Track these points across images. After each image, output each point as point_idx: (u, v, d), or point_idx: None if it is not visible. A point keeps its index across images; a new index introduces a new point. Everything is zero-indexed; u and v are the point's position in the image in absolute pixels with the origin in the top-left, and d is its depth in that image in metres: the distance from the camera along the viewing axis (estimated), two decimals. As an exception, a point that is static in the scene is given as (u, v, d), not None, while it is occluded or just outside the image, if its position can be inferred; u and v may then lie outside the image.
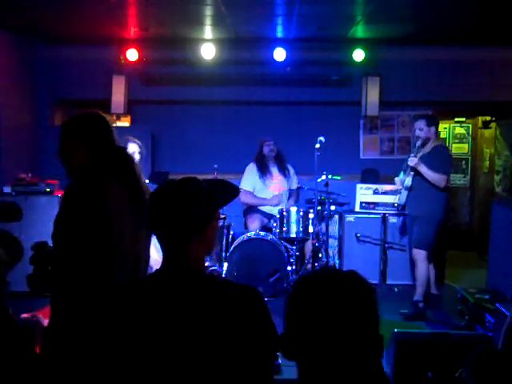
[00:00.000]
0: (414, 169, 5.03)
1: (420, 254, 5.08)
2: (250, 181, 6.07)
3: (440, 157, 5.03)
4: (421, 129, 5.09)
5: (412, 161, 4.97)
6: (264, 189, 6.05)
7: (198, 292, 1.60)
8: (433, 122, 5.14)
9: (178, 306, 1.58)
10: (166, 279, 1.64)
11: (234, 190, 1.81)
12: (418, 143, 5.06)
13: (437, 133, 5.19)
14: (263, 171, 6.03)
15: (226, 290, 1.63)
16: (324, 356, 1.37)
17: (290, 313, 1.44)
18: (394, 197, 6.12)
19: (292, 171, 6.24)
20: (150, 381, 1.59)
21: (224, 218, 5.66)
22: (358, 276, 1.45)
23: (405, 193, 5.19)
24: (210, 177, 5.93)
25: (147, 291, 1.65)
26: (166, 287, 1.62)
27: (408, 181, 5.12)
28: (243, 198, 6.07)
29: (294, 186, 6.24)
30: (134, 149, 4.82)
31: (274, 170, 6.09)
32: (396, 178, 5.34)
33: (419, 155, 5.03)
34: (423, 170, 4.95)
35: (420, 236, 5.10)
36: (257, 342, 1.58)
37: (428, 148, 5.10)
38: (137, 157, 4.82)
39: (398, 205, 5.35)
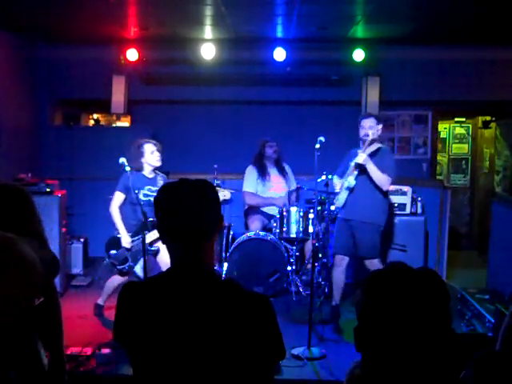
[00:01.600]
0: (358, 167, 4.67)
1: (374, 263, 4.74)
2: (251, 182, 6.06)
3: (387, 159, 4.70)
4: (371, 126, 4.68)
5: (361, 157, 4.58)
6: (264, 190, 6.05)
7: (210, 295, 1.60)
8: (380, 121, 4.79)
9: (187, 307, 1.58)
10: (178, 280, 1.63)
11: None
12: (367, 140, 4.67)
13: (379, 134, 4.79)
14: (262, 173, 6.03)
15: (237, 295, 1.63)
16: (396, 349, 1.37)
17: (365, 305, 1.43)
18: (393, 197, 6.13)
19: (290, 171, 6.23)
20: (154, 380, 1.60)
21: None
22: (432, 272, 1.46)
23: (345, 193, 4.78)
24: (209, 177, 5.95)
25: (159, 291, 1.63)
26: (177, 288, 1.61)
27: (350, 180, 4.73)
28: (248, 200, 6.06)
29: (293, 186, 6.24)
30: (151, 148, 4.81)
31: (273, 171, 6.10)
32: (335, 181, 4.95)
33: (366, 152, 4.68)
34: (372, 167, 4.58)
35: (369, 246, 4.75)
36: (261, 350, 1.58)
37: (373, 148, 4.74)
38: (156, 155, 4.81)
39: (337, 208, 4.94)
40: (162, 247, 4.77)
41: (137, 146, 4.81)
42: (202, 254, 1.64)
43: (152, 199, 4.69)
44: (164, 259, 4.77)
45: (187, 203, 1.62)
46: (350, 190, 4.76)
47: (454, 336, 1.41)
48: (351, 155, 4.85)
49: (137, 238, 4.73)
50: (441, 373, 1.39)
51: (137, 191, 4.60)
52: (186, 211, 1.61)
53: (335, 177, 4.97)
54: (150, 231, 4.62)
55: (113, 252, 4.74)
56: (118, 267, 4.75)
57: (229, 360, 1.55)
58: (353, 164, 4.69)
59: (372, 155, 4.70)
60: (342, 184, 4.81)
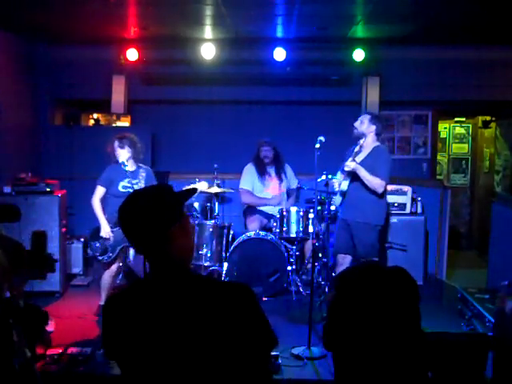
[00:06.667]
0: (350, 173, 4.72)
1: None
2: (248, 180, 6.09)
3: (380, 160, 4.70)
4: (362, 122, 4.81)
5: (349, 166, 4.64)
6: (262, 189, 6.07)
7: (187, 291, 1.59)
8: (376, 121, 4.82)
9: (171, 309, 1.57)
10: (154, 282, 1.64)
11: (191, 190, 1.85)
12: (356, 148, 4.78)
13: (378, 134, 4.83)
14: (261, 172, 6.07)
15: (215, 287, 1.62)
16: (365, 348, 1.37)
17: (334, 305, 1.44)
18: (393, 197, 6.14)
19: (290, 172, 6.23)
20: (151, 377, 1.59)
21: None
22: (403, 272, 1.46)
23: (339, 198, 4.86)
24: (209, 177, 5.95)
25: (135, 297, 1.64)
26: (155, 290, 1.62)
27: (344, 185, 4.80)
28: (244, 198, 6.08)
29: (294, 185, 6.24)
30: (115, 146, 4.88)
31: (271, 172, 6.11)
32: (334, 180, 4.97)
33: (358, 159, 4.72)
34: (362, 173, 4.61)
35: (367, 246, 4.75)
36: (250, 339, 1.56)
37: (367, 149, 4.80)
38: (121, 154, 4.83)
39: (336, 207, 5.01)
40: None
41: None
42: (167, 255, 1.63)
43: (131, 191, 4.73)
44: None
45: (127, 216, 1.66)
46: (343, 194, 4.82)
47: (422, 335, 1.41)
48: (350, 152, 4.87)
49: (116, 229, 4.76)
50: (409, 371, 1.39)
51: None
52: (127, 223, 1.66)
53: (338, 173, 4.97)
54: None
55: (95, 243, 4.83)
56: (99, 257, 4.84)
57: (221, 355, 1.53)
58: (346, 168, 4.70)
59: (366, 156, 4.74)
60: (339, 185, 4.86)
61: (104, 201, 4.88)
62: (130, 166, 4.89)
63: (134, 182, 4.80)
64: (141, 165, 4.97)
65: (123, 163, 4.78)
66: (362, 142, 4.78)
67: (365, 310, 1.38)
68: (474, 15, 5.42)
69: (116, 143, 4.88)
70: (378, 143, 4.87)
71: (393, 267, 1.49)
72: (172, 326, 1.55)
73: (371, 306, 1.38)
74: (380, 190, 4.67)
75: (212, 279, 1.72)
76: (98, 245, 4.82)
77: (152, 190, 1.73)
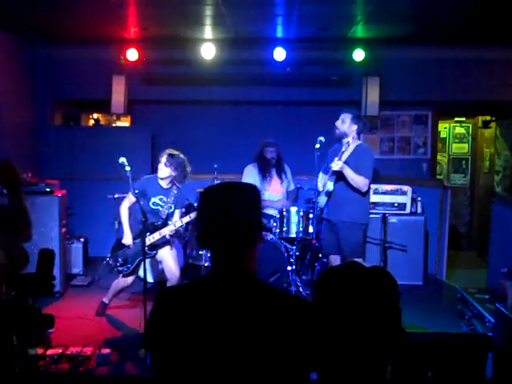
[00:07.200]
0: (336, 173, 4.66)
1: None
2: (250, 181, 6.06)
3: (364, 159, 4.69)
4: (343, 121, 4.74)
5: (337, 165, 4.56)
6: (263, 190, 6.05)
7: (252, 300, 1.57)
8: (358, 121, 4.76)
9: (229, 312, 1.55)
10: (222, 282, 1.60)
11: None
12: (343, 148, 4.69)
13: (359, 133, 4.83)
14: (264, 174, 6.01)
15: (277, 297, 1.60)
16: (345, 348, 1.38)
17: (314, 305, 1.45)
18: (393, 197, 6.15)
19: (289, 174, 6.21)
20: (193, 381, 1.56)
21: None
22: (383, 271, 1.47)
23: (325, 198, 4.83)
24: (209, 177, 5.95)
25: (200, 294, 1.60)
26: (221, 290, 1.59)
27: (329, 186, 4.74)
28: None
29: (290, 188, 6.22)
30: (162, 161, 4.74)
31: (273, 172, 6.10)
32: (319, 178, 4.89)
33: (344, 158, 4.65)
34: (348, 173, 4.57)
35: (353, 245, 4.75)
36: (301, 354, 1.54)
37: (350, 148, 4.72)
38: (161, 168, 4.68)
39: (320, 208, 4.96)
40: (165, 254, 4.78)
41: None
42: (242, 260, 1.61)
43: (160, 209, 4.69)
44: (168, 267, 4.78)
45: (224, 209, 1.59)
46: (329, 194, 4.79)
47: (403, 335, 1.43)
48: (334, 151, 4.84)
49: (137, 240, 4.73)
50: (389, 369, 1.41)
51: (137, 191, 4.56)
52: (223, 217, 1.58)
53: (320, 173, 4.93)
54: (150, 234, 4.64)
55: (118, 253, 4.78)
56: (119, 268, 4.78)
57: (268, 365, 1.51)
58: (332, 167, 4.62)
59: (350, 156, 4.70)
60: (323, 185, 4.81)
61: (131, 208, 4.77)
62: (165, 184, 4.80)
63: (166, 200, 4.72)
64: (175, 182, 4.81)
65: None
66: (349, 140, 4.72)
67: (344, 310, 1.40)
68: (473, 15, 5.43)
69: (165, 158, 4.71)
70: (359, 141, 4.86)
71: (372, 267, 1.49)
72: (225, 330, 1.52)
73: (350, 306, 1.40)
74: (364, 189, 4.67)
75: (278, 290, 1.66)
76: (120, 255, 4.77)
77: (252, 203, 1.65)
